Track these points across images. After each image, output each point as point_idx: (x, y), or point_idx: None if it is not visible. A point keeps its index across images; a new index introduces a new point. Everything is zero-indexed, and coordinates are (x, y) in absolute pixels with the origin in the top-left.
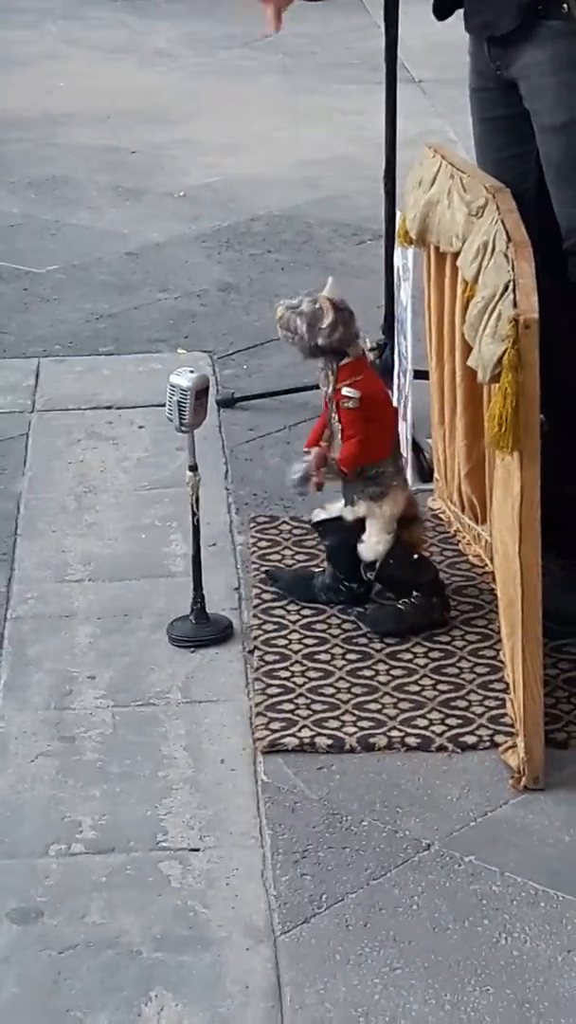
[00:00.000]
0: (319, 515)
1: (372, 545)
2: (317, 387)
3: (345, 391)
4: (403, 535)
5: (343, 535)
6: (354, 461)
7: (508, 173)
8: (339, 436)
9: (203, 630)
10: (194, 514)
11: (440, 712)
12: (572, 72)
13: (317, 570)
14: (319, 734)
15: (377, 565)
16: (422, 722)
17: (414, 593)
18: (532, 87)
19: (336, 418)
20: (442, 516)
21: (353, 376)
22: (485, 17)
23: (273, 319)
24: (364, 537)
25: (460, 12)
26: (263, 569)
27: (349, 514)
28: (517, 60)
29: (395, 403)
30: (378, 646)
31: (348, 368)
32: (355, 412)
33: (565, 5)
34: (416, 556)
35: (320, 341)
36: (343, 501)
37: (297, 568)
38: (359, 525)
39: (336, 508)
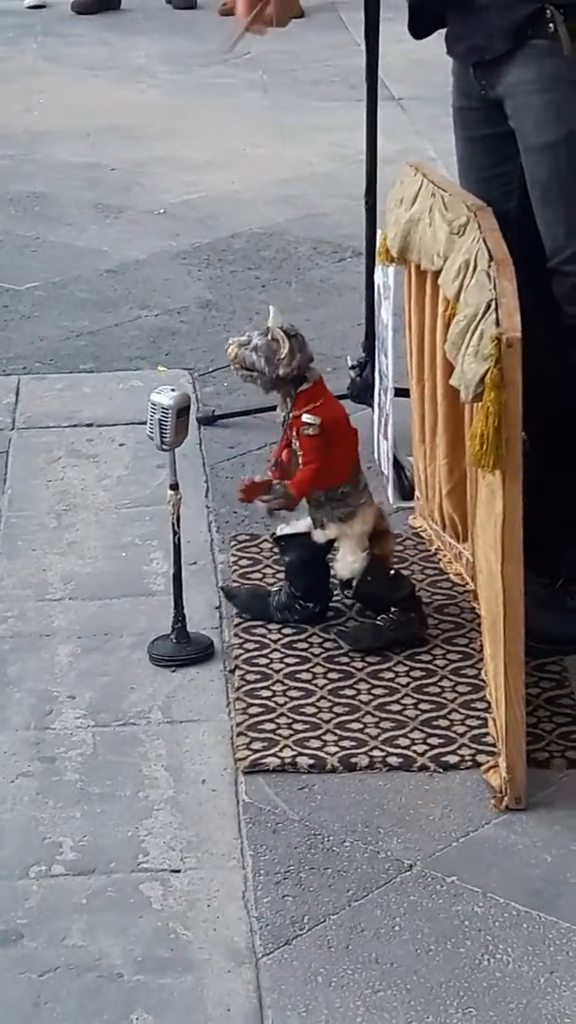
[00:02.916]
0: (283, 529)
1: (348, 564)
2: None
3: (305, 418)
4: (375, 549)
5: (304, 552)
6: (307, 487)
7: (491, 192)
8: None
9: (184, 649)
10: (175, 532)
11: (422, 731)
12: (558, 91)
13: (273, 588)
14: (300, 754)
15: (354, 583)
16: (404, 741)
17: (392, 609)
18: (518, 106)
19: (296, 443)
20: (423, 534)
21: (312, 402)
22: (474, 41)
23: (227, 359)
24: (339, 556)
25: (439, 34)
26: (221, 586)
27: (320, 536)
28: (503, 79)
29: (376, 421)
30: (359, 665)
31: (307, 394)
32: (315, 439)
33: (551, 24)
34: (392, 572)
35: (281, 372)
36: (309, 519)
37: (254, 586)
38: (328, 545)
39: (302, 524)
